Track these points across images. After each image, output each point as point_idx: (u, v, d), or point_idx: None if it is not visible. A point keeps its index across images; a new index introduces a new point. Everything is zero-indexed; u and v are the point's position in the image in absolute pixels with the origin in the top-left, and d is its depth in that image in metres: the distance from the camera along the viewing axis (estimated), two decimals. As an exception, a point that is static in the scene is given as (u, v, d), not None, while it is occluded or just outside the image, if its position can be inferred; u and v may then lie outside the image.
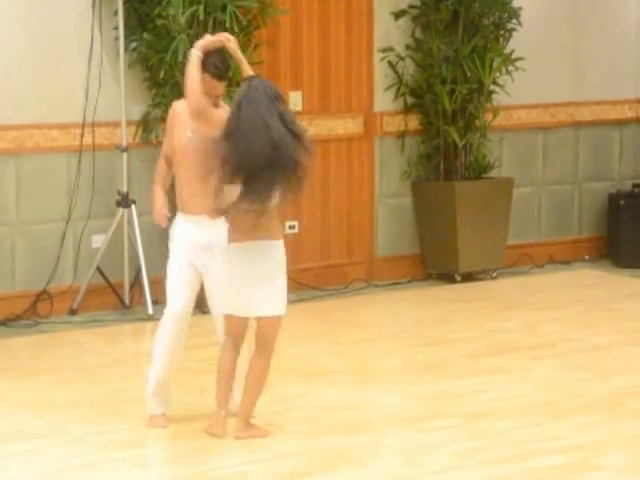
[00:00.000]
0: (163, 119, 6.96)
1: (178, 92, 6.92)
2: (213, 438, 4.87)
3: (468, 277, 7.86)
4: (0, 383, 5.60)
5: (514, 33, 7.91)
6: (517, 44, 7.88)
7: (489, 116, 7.92)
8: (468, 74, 7.69)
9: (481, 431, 4.97)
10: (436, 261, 7.93)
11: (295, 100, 7.57)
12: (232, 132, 4.61)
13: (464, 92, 7.70)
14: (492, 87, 7.84)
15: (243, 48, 6.91)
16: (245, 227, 4.68)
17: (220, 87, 4.95)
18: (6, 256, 6.76)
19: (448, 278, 7.85)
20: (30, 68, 6.74)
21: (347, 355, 6.15)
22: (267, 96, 4.62)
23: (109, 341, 6.47)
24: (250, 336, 4.93)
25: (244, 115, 4.59)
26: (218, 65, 4.93)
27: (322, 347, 6.30)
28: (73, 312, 6.88)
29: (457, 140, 7.72)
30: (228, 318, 4.89)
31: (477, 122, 7.85)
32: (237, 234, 4.73)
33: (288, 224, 7.58)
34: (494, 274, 7.95)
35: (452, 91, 7.70)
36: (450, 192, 7.76)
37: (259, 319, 4.81)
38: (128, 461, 4.64)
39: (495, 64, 7.74)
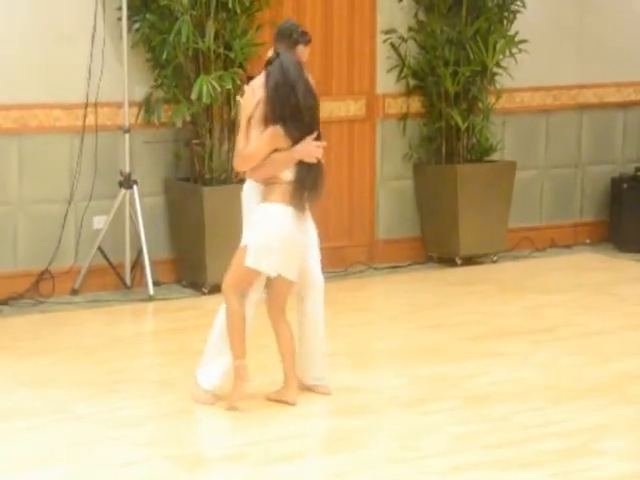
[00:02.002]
0: (166, 100, 6.98)
1: (180, 73, 6.92)
2: (212, 419, 4.88)
3: (469, 260, 7.87)
4: (3, 361, 5.62)
5: (518, 15, 7.88)
6: (521, 26, 7.85)
7: (492, 98, 7.90)
8: (471, 56, 7.67)
9: (481, 415, 4.99)
10: (437, 244, 7.92)
11: (297, 81, 7.54)
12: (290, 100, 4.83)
13: (467, 74, 7.68)
14: (495, 69, 7.81)
15: (245, 29, 6.93)
16: None
17: (307, 52, 5.17)
18: (8, 236, 6.77)
19: (449, 261, 7.85)
20: (33, 48, 6.73)
21: (347, 338, 6.16)
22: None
23: (110, 321, 6.48)
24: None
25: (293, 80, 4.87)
26: (305, 31, 5.15)
27: (322, 329, 6.30)
28: (75, 292, 6.89)
29: (459, 123, 7.70)
30: (250, 273, 4.93)
31: (480, 105, 7.83)
32: (283, 195, 4.92)
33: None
34: (495, 257, 7.95)
35: (455, 73, 7.67)
36: (452, 175, 7.75)
37: (290, 282, 4.96)
38: (129, 439, 4.67)
39: (498, 46, 7.72)
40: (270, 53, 5.04)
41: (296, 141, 4.90)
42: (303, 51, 5.19)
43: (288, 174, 4.93)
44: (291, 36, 5.06)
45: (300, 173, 4.93)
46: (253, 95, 4.95)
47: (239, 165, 5.00)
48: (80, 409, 5.00)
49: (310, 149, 4.91)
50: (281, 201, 4.91)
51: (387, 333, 6.34)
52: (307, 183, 4.94)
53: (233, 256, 5.01)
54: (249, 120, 4.93)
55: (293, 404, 5.03)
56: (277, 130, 4.86)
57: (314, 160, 4.93)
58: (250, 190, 5.06)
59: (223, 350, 5.00)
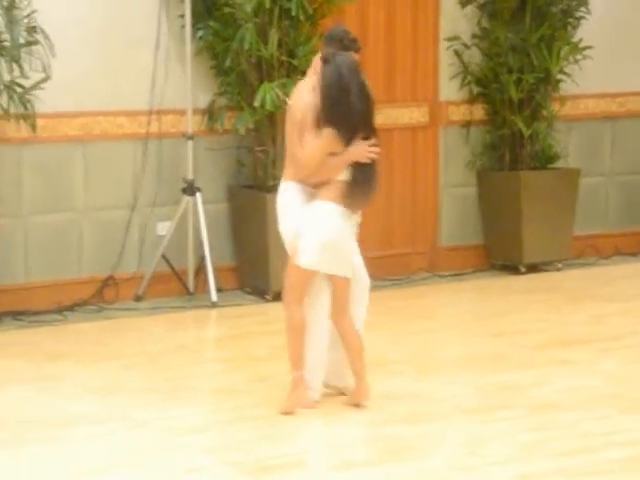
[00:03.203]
0: (229, 107, 7.01)
1: (243, 80, 6.95)
2: (274, 425, 4.88)
3: (533, 268, 7.79)
4: (67, 367, 5.67)
5: (582, 21, 7.80)
6: (585, 32, 7.77)
7: (556, 105, 7.83)
8: (535, 63, 7.61)
9: (546, 423, 4.92)
10: (500, 252, 7.86)
11: (360, 89, 7.53)
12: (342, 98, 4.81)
13: (531, 81, 7.62)
14: (559, 76, 7.74)
15: (308, 37, 6.94)
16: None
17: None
18: (73, 242, 6.84)
19: (512, 269, 7.78)
20: (98, 56, 6.80)
21: (409, 345, 6.13)
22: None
23: (173, 327, 6.51)
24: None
25: (347, 82, 4.83)
26: (356, 38, 5.08)
27: (384, 337, 6.28)
28: (138, 298, 6.94)
29: (523, 130, 7.64)
30: (305, 274, 4.92)
31: (544, 112, 7.77)
32: (336, 194, 4.90)
33: (351, 213, 7.56)
34: (559, 265, 7.86)
35: (519, 80, 7.62)
36: (515, 182, 7.69)
37: (346, 280, 5.04)
38: (191, 446, 4.67)
39: (563, 53, 7.65)
40: (316, 61, 5.01)
41: (349, 144, 4.87)
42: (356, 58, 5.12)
43: (343, 174, 4.92)
44: (342, 41, 5.00)
45: (354, 174, 4.91)
46: (300, 99, 4.94)
47: (297, 172, 4.94)
48: (143, 416, 5.02)
49: (363, 150, 4.88)
50: (334, 200, 4.89)
51: (450, 341, 6.30)
52: (361, 184, 4.92)
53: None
54: (300, 125, 4.89)
55: (366, 405, 5.02)
56: (331, 133, 4.83)
57: (368, 160, 4.90)
58: (290, 190, 5.00)
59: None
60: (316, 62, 5.02)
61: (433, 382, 5.53)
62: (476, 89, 7.81)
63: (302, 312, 4.94)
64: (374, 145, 4.92)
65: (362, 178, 4.91)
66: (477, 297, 7.30)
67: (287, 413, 4.95)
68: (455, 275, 7.71)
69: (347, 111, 4.83)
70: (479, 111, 7.85)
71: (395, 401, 5.20)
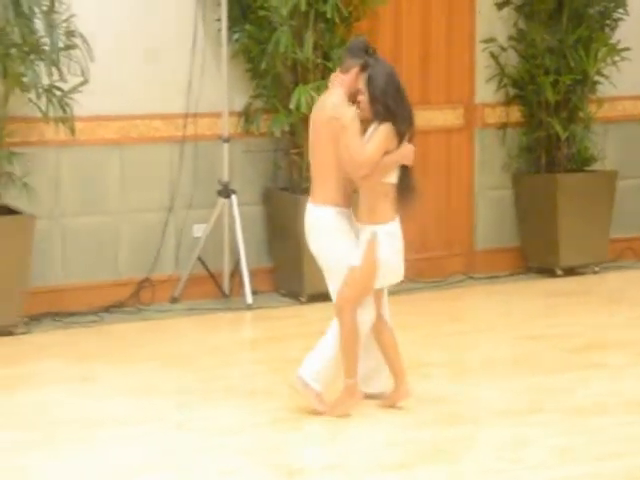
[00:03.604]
0: (265, 110, 7.04)
1: (279, 83, 6.97)
2: (311, 427, 4.90)
3: (569, 271, 7.74)
4: (103, 369, 5.72)
5: (620, 22, 7.75)
6: (623, 33, 7.72)
7: (593, 107, 7.78)
8: (572, 65, 7.57)
9: (580, 427, 4.90)
10: (537, 254, 7.82)
11: (395, 91, 7.52)
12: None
13: (568, 83, 7.58)
14: (596, 78, 7.70)
15: (343, 39, 6.95)
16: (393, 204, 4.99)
17: None
18: (110, 244, 6.89)
19: (549, 272, 7.74)
20: (135, 60, 6.85)
21: (444, 347, 6.12)
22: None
23: (209, 329, 6.55)
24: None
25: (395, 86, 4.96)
26: (375, 50, 5.13)
27: (419, 339, 6.28)
28: (174, 300, 6.98)
29: (560, 132, 7.60)
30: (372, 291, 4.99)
31: (581, 113, 7.73)
32: (392, 212, 5.00)
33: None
34: (596, 268, 7.81)
35: (555, 82, 7.58)
36: (552, 184, 7.65)
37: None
38: (227, 448, 4.70)
39: (600, 54, 7.60)
40: (335, 75, 5.08)
41: (401, 142, 4.93)
42: None
43: (393, 177, 4.97)
44: (367, 51, 5.07)
45: (402, 176, 4.98)
46: (332, 111, 4.96)
47: (362, 167, 4.90)
48: (178, 417, 5.05)
49: (410, 152, 4.96)
50: (394, 217, 4.98)
51: (485, 344, 6.28)
52: (409, 186, 4.98)
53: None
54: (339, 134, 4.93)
55: (401, 406, 5.07)
56: (389, 127, 4.89)
57: (411, 163, 4.97)
58: (334, 216, 5.02)
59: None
60: (335, 77, 5.07)
61: (467, 385, 5.51)
62: (512, 91, 7.78)
63: (356, 321, 4.97)
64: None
65: (409, 180, 4.99)
66: (513, 300, 7.27)
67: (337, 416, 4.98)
68: (491, 278, 7.69)
69: (402, 105, 4.92)
70: (515, 113, 7.82)
71: (429, 404, 5.20)
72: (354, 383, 4.99)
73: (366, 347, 5.09)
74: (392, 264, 5.01)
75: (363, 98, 4.94)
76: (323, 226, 5.05)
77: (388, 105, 4.89)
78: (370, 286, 4.99)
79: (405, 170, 4.98)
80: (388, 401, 5.12)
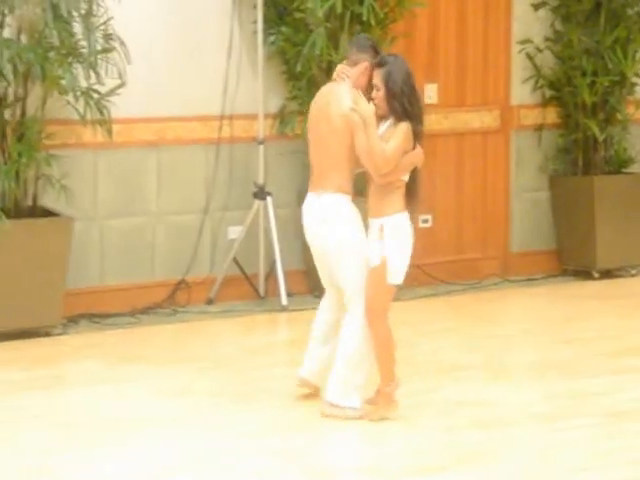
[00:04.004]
0: (300, 112, 7.04)
1: (314, 85, 6.97)
2: (346, 430, 4.89)
3: (606, 274, 7.69)
4: (140, 370, 5.74)
5: (659, 23, 7.69)
6: (662, 35, 7.66)
7: (631, 109, 7.73)
8: (610, 66, 7.52)
9: (618, 431, 4.86)
10: (573, 257, 7.78)
11: (430, 93, 7.52)
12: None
13: (605, 84, 7.53)
14: (635, 79, 7.64)
15: (379, 41, 6.93)
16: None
17: None
18: (147, 246, 6.92)
19: (585, 274, 7.70)
20: (171, 62, 6.88)
21: (480, 351, 6.09)
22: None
23: (244, 331, 6.56)
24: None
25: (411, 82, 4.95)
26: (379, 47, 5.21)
27: (455, 342, 6.26)
28: (210, 302, 7.00)
29: (597, 134, 7.56)
30: (394, 290, 4.97)
31: (618, 115, 7.67)
32: (400, 204, 4.97)
33: (421, 218, 7.54)
34: (633, 271, 7.75)
35: (592, 83, 7.54)
36: (589, 186, 7.60)
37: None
38: (262, 450, 4.70)
39: (638, 55, 7.55)
40: (342, 67, 5.07)
41: (416, 141, 4.93)
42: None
43: (406, 175, 4.99)
44: (375, 48, 5.11)
45: (413, 176, 5.00)
46: (342, 103, 4.96)
47: (385, 166, 4.89)
48: (214, 418, 5.06)
49: (422, 154, 4.97)
50: (402, 209, 4.96)
51: (521, 347, 6.25)
52: (417, 184, 5.00)
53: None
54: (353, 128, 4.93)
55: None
56: (407, 127, 4.90)
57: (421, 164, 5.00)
58: (349, 204, 5.02)
59: (360, 367, 5.00)
60: (342, 69, 5.06)
61: (505, 388, 5.49)
62: (549, 92, 7.74)
63: (388, 327, 4.96)
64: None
65: (417, 179, 5.00)
66: (549, 303, 7.24)
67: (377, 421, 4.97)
68: (527, 280, 7.65)
69: (417, 104, 4.92)
70: (551, 115, 7.78)
71: (467, 407, 5.18)
72: (392, 390, 4.98)
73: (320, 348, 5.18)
74: (402, 259, 4.93)
75: (379, 94, 4.91)
76: (341, 213, 5.02)
77: (404, 103, 4.88)
78: (386, 283, 4.93)
79: (415, 168, 5.00)
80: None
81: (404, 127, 4.89)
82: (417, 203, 5.02)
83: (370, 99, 4.94)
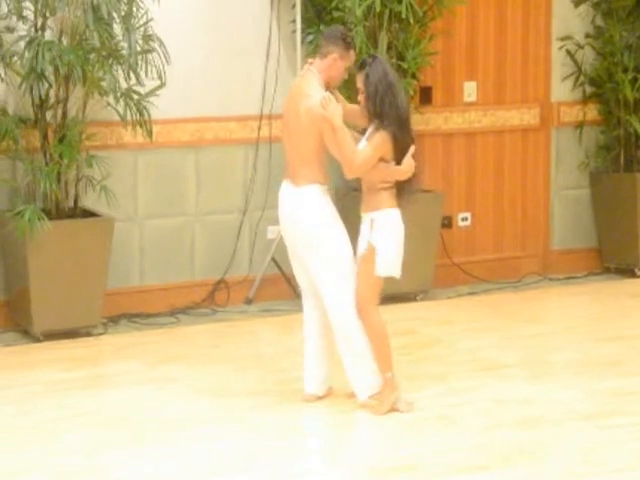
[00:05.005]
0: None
1: (353, 84, 6.94)
2: (385, 428, 4.88)
3: (649, 271, 7.62)
4: (180, 370, 5.76)
5: (702, 18, 7.61)
6: None
7: (674, 105, 7.66)
8: (652, 62, 7.46)
9: (663, 430, 4.82)
10: (615, 255, 7.71)
11: (470, 90, 7.49)
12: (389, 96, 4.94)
13: (647, 80, 7.46)
14: (677, 75, 7.57)
15: (418, 39, 6.92)
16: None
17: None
18: (186, 246, 6.94)
19: (628, 272, 7.62)
20: (210, 62, 6.89)
21: (521, 349, 6.05)
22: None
23: (283, 331, 6.55)
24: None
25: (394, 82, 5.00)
26: (353, 39, 5.28)
27: (495, 341, 6.22)
28: (249, 302, 7.01)
29: (639, 130, 7.48)
30: (382, 282, 5.01)
31: (661, 112, 7.61)
32: (391, 200, 5.02)
33: (461, 216, 7.51)
34: (677, 269, 7.68)
35: (634, 80, 7.47)
36: (631, 184, 7.53)
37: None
38: (303, 449, 4.70)
39: (680, 50, 7.48)
40: (312, 60, 5.13)
41: (398, 147, 4.94)
42: (351, 58, 5.15)
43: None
44: (345, 40, 5.11)
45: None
46: (314, 98, 4.98)
47: (353, 173, 4.98)
48: (255, 418, 5.06)
49: (410, 167, 4.97)
50: (393, 205, 5.00)
51: (563, 345, 6.20)
52: (411, 184, 5.03)
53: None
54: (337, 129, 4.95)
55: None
56: (386, 136, 4.93)
57: (409, 176, 5.00)
58: (325, 197, 5.06)
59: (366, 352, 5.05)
60: (311, 63, 5.11)
61: (546, 387, 5.45)
62: (589, 89, 7.68)
63: (380, 316, 5.02)
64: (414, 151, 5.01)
65: (412, 180, 5.03)
66: (591, 301, 7.18)
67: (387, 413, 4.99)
68: (568, 278, 7.59)
69: (395, 104, 4.93)
70: (592, 112, 7.72)
71: (508, 405, 5.15)
72: (392, 376, 5.00)
73: (318, 352, 5.18)
74: (391, 252, 4.98)
75: (362, 97, 4.99)
76: (313, 204, 5.05)
77: (376, 103, 4.93)
78: (380, 277, 4.98)
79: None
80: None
81: (380, 136, 4.93)
82: (409, 200, 5.06)
83: (332, 93, 5.03)
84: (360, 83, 5.02)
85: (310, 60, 5.20)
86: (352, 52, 5.16)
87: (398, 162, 4.98)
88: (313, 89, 5.04)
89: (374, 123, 4.98)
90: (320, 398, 5.19)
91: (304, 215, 5.05)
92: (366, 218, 5.05)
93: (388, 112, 4.92)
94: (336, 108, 4.93)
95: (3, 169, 6.37)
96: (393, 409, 5.01)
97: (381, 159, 4.97)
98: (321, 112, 4.93)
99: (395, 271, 5.05)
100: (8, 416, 5.10)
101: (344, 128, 4.94)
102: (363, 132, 5.08)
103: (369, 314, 5.00)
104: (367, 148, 4.95)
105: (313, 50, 7.01)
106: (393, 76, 5.02)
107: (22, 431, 4.90)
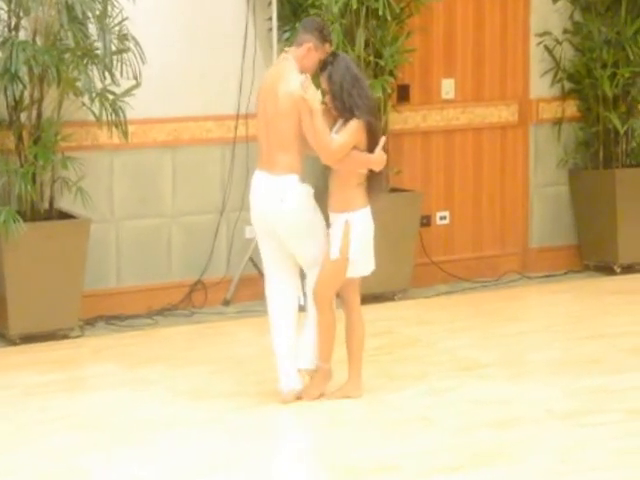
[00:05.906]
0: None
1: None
2: (366, 429, 4.86)
3: (628, 269, 7.60)
4: (159, 372, 5.72)
5: (681, 13, 7.60)
6: (684, 25, 7.56)
7: (654, 101, 7.65)
8: (631, 57, 7.42)
9: (642, 429, 4.81)
10: (594, 252, 7.70)
11: (447, 88, 7.46)
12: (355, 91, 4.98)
13: (626, 76, 7.44)
14: (657, 70, 7.56)
15: (395, 36, 6.89)
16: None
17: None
18: (163, 247, 6.89)
19: (607, 270, 7.62)
20: (186, 62, 6.84)
21: (500, 348, 6.04)
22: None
23: (262, 332, 6.48)
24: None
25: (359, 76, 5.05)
26: (330, 32, 5.31)
27: (475, 340, 6.20)
28: (226, 303, 6.97)
29: (618, 126, 7.47)
30: (356, 280, 5.09)
31: (640, 107, 7.60)
32: (364, 199, 5.06)
33: (439, 214, 7.49)
34: (657, 265, 7.68)
35: (613, 75, 7.45)
36: (610, 180, 7.52)
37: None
38: (284, 450, 4.67)
39: (660, 46, 7.46)
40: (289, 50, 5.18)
41: (371, 136, 4.97)
42: (326, 50, 5.16)
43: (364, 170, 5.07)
44: (322, 32, 5.13)
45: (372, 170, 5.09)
46: (292, 84, 4.99)
47: (329, 158, 5.01)
48: (233, 420, 5.03)
49: (382, 159, 5.01)
50: (366, 204, 5.04)
51: (542, 344, 6.18)
52: (378, 179, 5.07)
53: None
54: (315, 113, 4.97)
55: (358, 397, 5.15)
56: (358, 125, 4.96)
57: (382, 167, 5.04)
58: (295, 183, 5.07)
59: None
60: (286, 51, 5.17)
61: (526, 386, 5.43)
62: (568, 85, 7.66)
63: (334, 312, 5.11)
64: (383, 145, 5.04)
65: (378, 175, 5.07)
66: (570, 299, 7.16)
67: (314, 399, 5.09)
68: (547, 277, 7.58)
69: (363, 94, 4.98)
70: (571, 108, 7.70)
71: (486, 405, 5.13)
72: (329, 368, 5.11)
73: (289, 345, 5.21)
74: (365, 255, 5.04)
75: (328, 97, 5.03)
76: (294, 194, 5.06)
77: (344, 98, 4.96)
78: (343, 275, 5.03)
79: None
80: (340, 392, 5.16)
81: (355, 124, 4.96)
82: (378, 195, 5.10)
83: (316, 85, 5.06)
84: (324, 84, 5.05)
85: (286, 49, 5.24)
86: (327, 45, 5.16)
87: (370, 152, 5.01)
88: (292, 73, 5.06)
89: (344, 117, 4.99)
90: (299, 398, 5.16)
91: (291, 208, 5.05)
92: (339, 218, 5.04)
93: (359, 103, 4.95)
94: (315, 92, 4.94)
95: (-23, 171, 6.31)
96: (322, 395, 5.13)
97: (355, 148, 4.99)
98: (301, 94, 4.95)
99: (367, 271, 5.09)
100: (-15, 420, 5.06)
101: (321, 115, 4.95)
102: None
103: (327, 310, 5.07)
104: (343, 134, 4.98)
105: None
106: (356, 69, 5.06)
107: (2, 435, 4.87)
